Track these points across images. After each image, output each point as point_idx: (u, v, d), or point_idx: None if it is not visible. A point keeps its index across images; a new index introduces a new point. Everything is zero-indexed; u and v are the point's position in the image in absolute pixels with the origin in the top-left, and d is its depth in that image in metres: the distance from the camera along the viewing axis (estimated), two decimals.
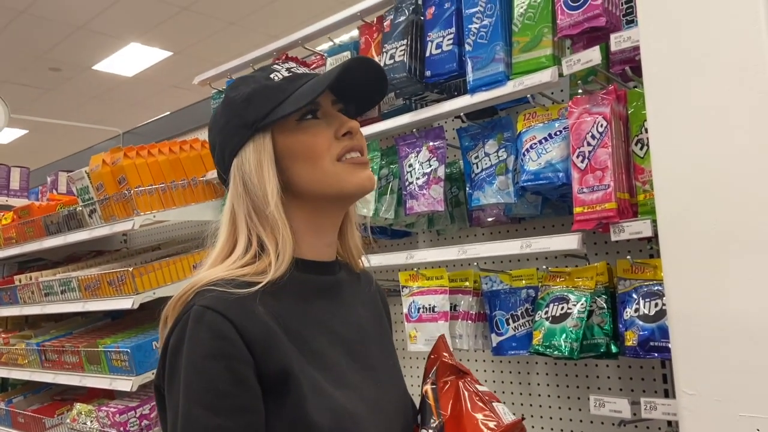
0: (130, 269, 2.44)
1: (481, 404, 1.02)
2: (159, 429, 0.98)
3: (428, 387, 1.06)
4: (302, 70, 1.02)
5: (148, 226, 2.89)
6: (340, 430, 0.89)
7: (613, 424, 1.77)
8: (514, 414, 1.05)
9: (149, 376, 2.41)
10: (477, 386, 1.05)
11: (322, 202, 1.00)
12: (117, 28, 6.72)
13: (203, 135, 3.09)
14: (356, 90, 1.03)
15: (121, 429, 2.39)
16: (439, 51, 1.81)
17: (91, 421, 2.55)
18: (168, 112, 3.95)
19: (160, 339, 0.94)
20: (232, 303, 0.87)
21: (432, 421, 1.01)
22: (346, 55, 2.13)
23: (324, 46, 2.25)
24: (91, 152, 3.84)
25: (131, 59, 7.51)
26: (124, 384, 2.38)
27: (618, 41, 1.39)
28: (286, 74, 0.99)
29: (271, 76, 0.98)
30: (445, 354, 1.10)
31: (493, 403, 1.03)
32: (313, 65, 2.26)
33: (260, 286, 0.90)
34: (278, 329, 0.90)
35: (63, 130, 8.47)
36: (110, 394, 2.85)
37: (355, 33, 2.17)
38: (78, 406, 2.69)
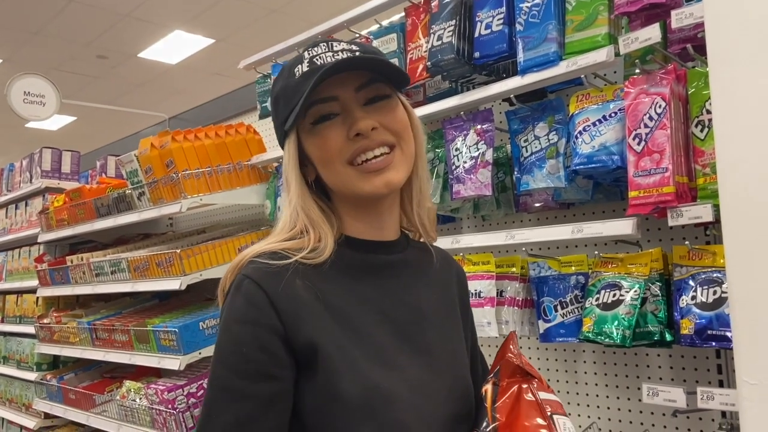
0: (178, 251, 2.48)
1: (539, 416, 0.94)
2: None
3: (489, 386, 1.00)
4: (330, 54, 0.97)
5: (193, 210, 2.94)
6: (369, 407, 0.88)
7: (664, 414, 1.73)
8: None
9: (196, 355, 2.46)
10: (542, 393, 0.97)
11: (352, 198, 1.00)
12: (161, 16, 6.83)
13: (248, 120, 3.12)
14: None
15: (169, 406, 2.45)
16: (488, 31, 1.77)
17: (140, 398, 2.62)
18: (210, 99, 4.00)
19: (220, 308, 0.98)
20: (270, 273, 0.91)
21: (485, 424, 0.95)
22: (392, 37, 2.11)
23: (373, 27, 2.22)
24: (137, 137, 3.92)
25: (175, 47, 7.63)
26: (172, 363, 2.44)
27: (680, 18, 1.34)
28: (306, 68, 0.96)
29: (295, 70, 0.97)
30: (511, 353, 1.03)
31: (556, 416, 0.95)
32: None
33: (294, 258, 0.93)
34: (316, 303, 0.92)
35: (110, 116, 8.69)
36: (158, 373, 2.92)
37: (401, 14, 2.15)
38: (127, 383, 2.77)
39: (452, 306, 1.11)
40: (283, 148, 1.02)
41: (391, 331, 0.97)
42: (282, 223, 1.01)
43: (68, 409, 3.22)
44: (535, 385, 0.98)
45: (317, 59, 0.96)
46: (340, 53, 0.97)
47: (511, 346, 1.05)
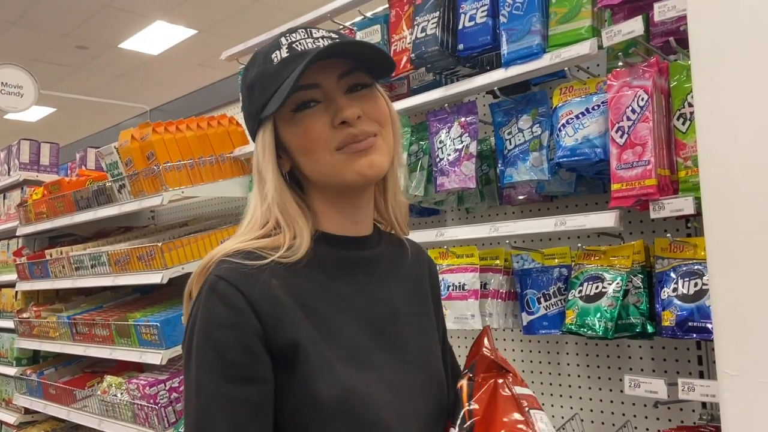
0: (160, 244, 2.45)
1: (516, 411, 0.93)
2: None
3: (464, 382, 0.99)
4: (311, 40, 0.94)
5: (175, 203, 2.90)
6: (347, 409, 0.87)
7: (645, 405, 1.75)
8: (554, 427, 0.99)
9: (178, 349, 2.43)
10: (517, 388, 0.97)
11: (333, 189, 0.97)
12: (142, 6, 6.73)
13: (230, 111, 3.09)
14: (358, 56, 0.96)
15: (151, 401, 2.43)
16: (472, 23, 1.76)
17: (122, 393, 2.60)
18: (193, 90, 3.95)
19: (184, 313, 0.94)
20: (244, 274, 0.88)
21: (461, 420, 0.94)
22: (376, 29, 2.09)
23: (356, 18, 2.21)
24: (118, 129, 3.87)
25: (157, 37, 7.53)
26: (154, 357, 2.41)
27: (662, 10, 1.34)
28: (285, 54, 0.93)
29: (273, 56, 0.94)
30: (486, 347, 1.02)
31: (532, 410, 0.95)
32: None
33: (271, 259, 0.90)
34: (291, 303, 0.90)
35: (91, 108, 8.56)
36: (139, 368, 2.89)
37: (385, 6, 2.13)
38: (108, 378, 2.74)
39: (425, 300, 1.09)
40: (254, 137, 0.98)
41: (367, 330, 0.95)
42: (252, 219, 0.96)
43: (48, 405, 3.18)
44: (510, 380, 0.98)
45: (297, 45, 0.93)
46: (320, 40, 0.94)
47: (485, 341, 1.04)
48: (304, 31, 0.96)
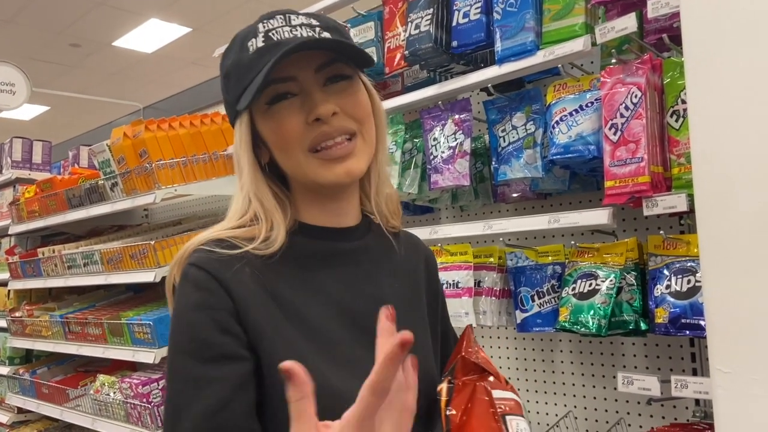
0: (152, 243, 2.44)
1: (491, 417, 0.88)
2: None
3: (444, 385, 0.94)
4: (288, 29, 0.89)
5: (168, 201, 2.89)
6: (319, 406, 0.78)
7: (639, 403, 1.75)
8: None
9: None
10: (498, 392, 0.92)
11: (310, 187, 0.94)
12: (136, 3, 6.69)
13: (224, 109, 3.07)
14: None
15: (144, 400, 2.42)
16: (466, 20, 1.76)
17: (114, 392, 2.58)
18: (186, 88, 3.94)
19: (170, 307, 0.92)
20: (215, 260, 0.87)
21: (438, 425, 0.90)
22: (370, 25, 2.09)
23: (350, 15, 2.20)
24: (112, 127, 3.85)
25: (151, 35, 7.49)
26: (147, 356, 2.40)
27: (656, 7, 1.34)
28: (261, 43, 0.88)
29: (248, 44, 0.90)
30: (468, 348, 0.98)
31: (509, 417, 0.90)
32: None
33: (244, 249, 0.88)
34: (265, 295, 0.87)
35: (84, 106, 8.53)
36: (132, 366, 2.88)
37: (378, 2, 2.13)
38: (101, 377, 2.73)
39: (418, 295, 1.04)
40: (233, 126, 0.95)
41: (350, 324, 0.91)
42: (232, 211, 0.94)
43: (41, 404, 3.16)
44: (491, 383, 0.93)
45: (273, 34, 0.88)
46: (299, 28, 0.89)
47: (468, 342, 1.00)
48: (282, 17, 0.91)
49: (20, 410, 3.47)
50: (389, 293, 0.98)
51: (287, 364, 0.63)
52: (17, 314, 3.39)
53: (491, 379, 0.95)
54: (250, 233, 0.90)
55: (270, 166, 0.95)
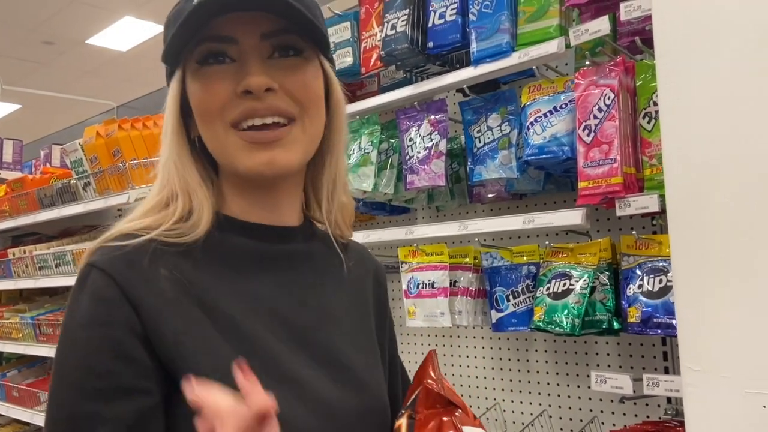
0: None
1: None
2: None
3: (403, 421, 0.80)
4: None
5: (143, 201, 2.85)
6: None
7: (612, 401, 1.77)
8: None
9: None
10: (467, 428, 0.80)
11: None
12: (110, 1, 6.61)
13: None
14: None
15: None
16: (442, 21, 1.76)
17: None
18: (162, 87, 3.90)
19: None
20: (120, 258, 0.71)
21: None
22: (346, 25, 2.08)
23: (327, 15, 2.19)
24: (85, 126, 3.79)
25: (125, 33, 7.40)
26: None
27: (628, 10, 1.35)
28: None
29: None
30: (431, 377, 0.84)
31: None
32: None
33: (151, 235, 0.73)
34: (185, 299, 0.72)
35: (57, 105, 8.38)
36: None
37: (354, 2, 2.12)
38: None
39: (367, 311, 0.92)
40: (168, 85, 0.82)
41: (287, 337, 0.77)
42: (151, 192, 0.80)
43: (11, 407, 3.10)
44: (458, 418, 0.81)
45: None
46: None
47: (431, 370, 0.87)
48: None
49: None
50: (334, 306, 0.86)
51: (194, 395, 0.55)
52: None
53: (458, 413, 0.82)
54: (162, 220, 0.76)
55: (201, 144, 0.81)
